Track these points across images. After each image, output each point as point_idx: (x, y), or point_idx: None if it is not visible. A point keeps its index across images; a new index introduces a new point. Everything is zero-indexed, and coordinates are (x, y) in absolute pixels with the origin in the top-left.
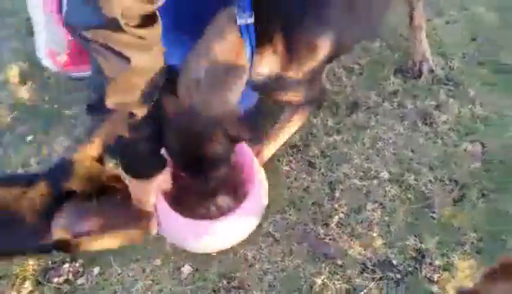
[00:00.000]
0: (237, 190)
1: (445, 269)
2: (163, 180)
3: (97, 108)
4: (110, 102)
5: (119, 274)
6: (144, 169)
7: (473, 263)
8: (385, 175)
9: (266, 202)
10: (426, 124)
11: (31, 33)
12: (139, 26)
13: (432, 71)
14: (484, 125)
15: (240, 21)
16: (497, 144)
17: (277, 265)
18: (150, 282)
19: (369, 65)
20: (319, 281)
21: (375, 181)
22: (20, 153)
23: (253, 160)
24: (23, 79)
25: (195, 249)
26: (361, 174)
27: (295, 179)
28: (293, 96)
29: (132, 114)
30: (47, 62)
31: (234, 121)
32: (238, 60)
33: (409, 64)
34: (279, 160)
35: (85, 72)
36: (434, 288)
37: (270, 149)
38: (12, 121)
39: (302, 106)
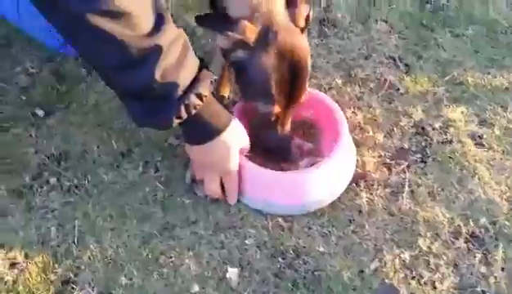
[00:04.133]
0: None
1: (447, 125)
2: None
3: None
4: None
5: None
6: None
7: (460, 109)
8: (335, 76)
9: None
10: (329, 25)
11: None
12: None
13: None
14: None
15: None
16: (393, 14)
17: (315, 212)
18: None
19: None
20: (363, 201)
21: (335, 92)
22: None
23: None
24: None
25: (290, 208)
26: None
27: None
28: None
29: None
30: None
31: None
32: None
33: None
34: None
35: None
36: (453, 145)
37: None
38: None
39: None
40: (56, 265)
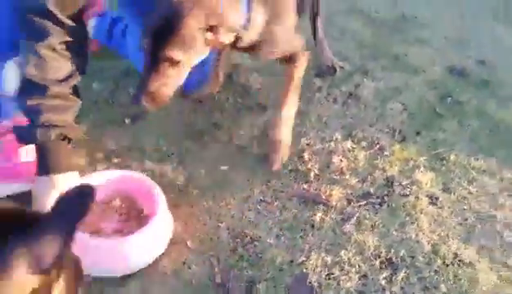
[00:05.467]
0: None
1: (413, 184)
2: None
3: None
4: None
5: None
6: (53, 160)
7: (432, 176)
8: (338, 133)
9: (170, 230)
10: (353, 99)
11: None
12: None
13: (341, 67)
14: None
15: None
16: (413, 100)
17: (279, 219)
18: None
19: None
20: (317, 219)
21: (333, 143)
22: None
23: (156, 193)
24: None
25: (102, 270)
26: (321, 139)
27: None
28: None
29: None
30: None
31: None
32: None
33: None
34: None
35: None
36: (409, 198)
37: (290, 112)
38: None
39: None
40: None
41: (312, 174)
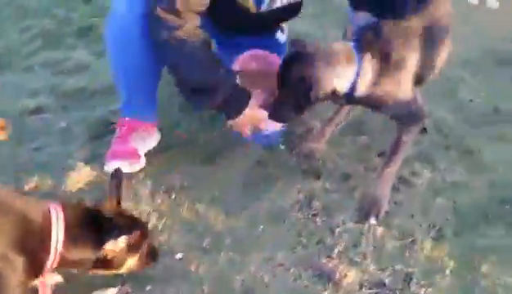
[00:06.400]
0: None
1: (430, 286)
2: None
3: None
4: None
5: None
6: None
7: (454, 283)
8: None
9: None
10: (404, 185)
11: None
12: None
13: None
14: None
15: None
16: (466, 200)
17: (290, 287)
18: None
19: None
20: None
21: (367, 225)
22: None
23: None
24: None
25: None
26: (355, 219)
27: (304, 225)
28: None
29: None
30: None
31: None
32: None
33: None
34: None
35: None
36: None
37: (393, 170)
38: None
39: (407, 125)
40: None
41: (336, 250)
